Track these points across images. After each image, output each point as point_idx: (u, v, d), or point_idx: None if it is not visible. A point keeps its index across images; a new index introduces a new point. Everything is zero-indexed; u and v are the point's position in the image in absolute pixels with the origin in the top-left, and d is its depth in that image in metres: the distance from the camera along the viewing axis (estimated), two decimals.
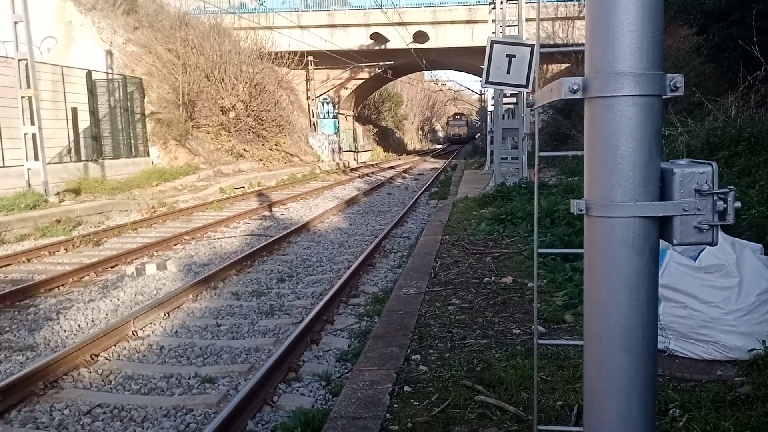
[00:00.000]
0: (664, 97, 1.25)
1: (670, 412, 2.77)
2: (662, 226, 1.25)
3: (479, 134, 49.33)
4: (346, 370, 4.36)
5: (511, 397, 3.05)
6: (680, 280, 3.38)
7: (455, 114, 68.77)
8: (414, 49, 28.64)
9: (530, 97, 1.76)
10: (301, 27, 28.14)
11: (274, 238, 9.49)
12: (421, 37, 28.53)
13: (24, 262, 8.40)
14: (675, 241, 1.23)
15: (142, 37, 20.88)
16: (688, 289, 3.36)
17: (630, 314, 1.23)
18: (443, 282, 5.53)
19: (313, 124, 32.09)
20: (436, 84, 70.99)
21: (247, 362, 4.70)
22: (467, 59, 29.86)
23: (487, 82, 11.95)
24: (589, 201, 1.28)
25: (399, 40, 28.07)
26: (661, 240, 1.29)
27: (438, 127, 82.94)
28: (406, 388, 3.19)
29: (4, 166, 13.38)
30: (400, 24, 27.27)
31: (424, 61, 31.60)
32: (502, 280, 5.47)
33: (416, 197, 15.78)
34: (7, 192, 12.14)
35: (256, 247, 8.77)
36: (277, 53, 27.23)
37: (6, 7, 12.45)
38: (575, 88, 1.27)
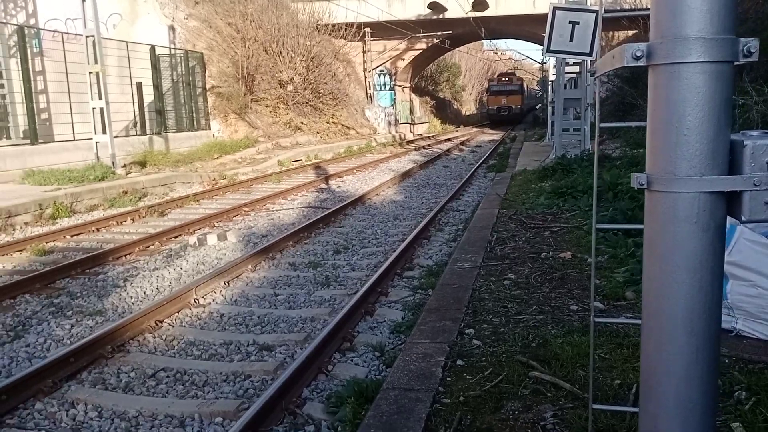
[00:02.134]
0: (736, 63, 1.16)
1: (736, 394, 2.66)
2: (730, 202, 1.18)
3: (540, 105, 47.50)
4: (399, 342, 4.39)
5: (566, 375, 3.00)
6: (751, 257, 3.21)
7: (502, 75, 48.73)
8: (473, 17, 27.98)
9: (593, 66, 1.67)
10: None
11: (330, 211, 9.59)
12: (480, 5, 27.81)
13: (94, 231, 8.81)
14: (744, 218, 1.15)
15: (202, 12, 21.22)
16: (759, 267, 3.19)
17: (692, 295, 1.17)
18: (499, 256, 5.46)
19: (370, 96, 32.01)
20: (496, 53, 65.73)
21: (303, 331, 4.80)
22: (528, 27, 28.97)
23: (548, 50, 11.57)
24: (651, 175, 1.22)
25: (457, 8, 27.47)
26: (729, 216, 1.21)
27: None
28: (459, 362, 3.19)
29: (74, 140, 14.00)
30: None
31: (483, 30, 30.84)
32: (561, 255, 5.35)
33: (473, 170, 15.58)
34: (78, 164, 12.73)
35: (313, 219, 8.89)
36: (334, 25, 27.16)
37: None
38: (638, 54, 1.20)
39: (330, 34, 27.21)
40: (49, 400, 3.67)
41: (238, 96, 20.61)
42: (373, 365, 4.11)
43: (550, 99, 19.06)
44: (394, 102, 33.38)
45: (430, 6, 28.44)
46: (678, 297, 1.18)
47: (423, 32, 30.14)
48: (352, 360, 4.21)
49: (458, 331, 3.57)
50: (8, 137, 16.35)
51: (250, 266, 6.59)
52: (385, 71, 32.50)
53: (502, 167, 15.12)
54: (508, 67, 61.66)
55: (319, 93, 25.04)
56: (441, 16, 28.97)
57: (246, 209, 10.26)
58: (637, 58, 1.20)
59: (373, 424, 2.57)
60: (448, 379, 3.03)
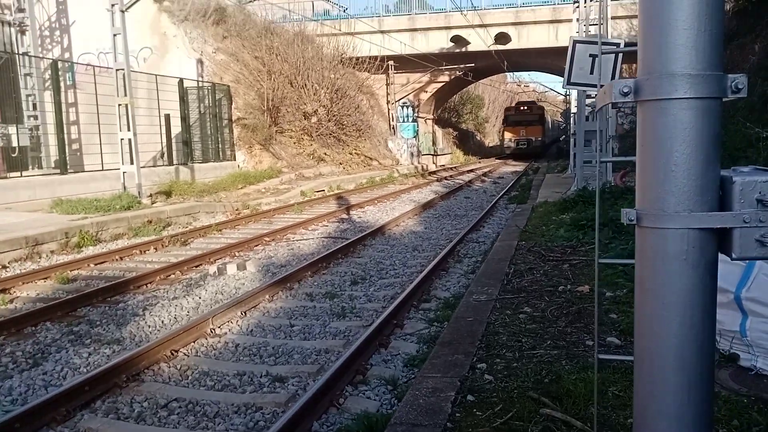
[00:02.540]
0: (724, 99, 1.15)
1: None
2: (721, 239, 1.16)
3: (563, 137, 47.06)
4: (412, 375, 4.34)
5: (578, 412, 2.93)
6: None
7: (520, 104, 44.47)
8: (495, 50, 28.23)
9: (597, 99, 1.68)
10: (382, 32, 28.43)
11: (349, 241, 9.61)
12: (502, 38, 28.07)
13: (117, 260, 8.95)
14: (734, 256, 1.13)
15: (230, 46, 21.77)
16: None
17: (683, 332, 1.14)
18: (516, 289, 5.40)
19: (393, 128, 32.30)
20: (519, 85, 65.46)
21: (316, 363, 4.78)
22: (551, 60, 29.09)
23: (568, 83, 11.62)
24: (640, 210, 1.21)
25: (480, 42, 27.76)
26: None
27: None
28: (470, 397, 3.14)
29: (103, 169, 14.35)
30: (480, 26, 26.96)
31: (505, 63, 31.08)
32: (579, 289, 5.27)
33: (494, 201, 15.53)
34: (105, 194, 13.00)
35: (332, 249, 8.92)
36: (357, 58, 27.62)
37: (107, 20, 13.33)
38: (626, 90, 1.20)
39: (354, 67, 27.66)
40: (62, 429, 3.69)
41: (263, 127, 20.96)
42: (384, 399, 4.06)
43: (572, 131, 19.02)
44: (417, 133, 33.63)
45: (452, 40, 28.79)
46: (669, 335, 1.16)
47: (446, 65, 30.47)
48: (364, 393, 4.17)
49: (470, 365, 3.53)
50: (40, 167, 16.82)
51: (267, 296, 6.62)
52: (408, 103, 32.83)
53: (524, 199, 15.05)
54: (531, 99, 60.60)
55: (343, 125, 25.35)
56: (463, 49, 29.30)
57: (267, 239, 10.34)
58: (625, 94, 1.20)
59: None
60: (458, 414, 2.98)
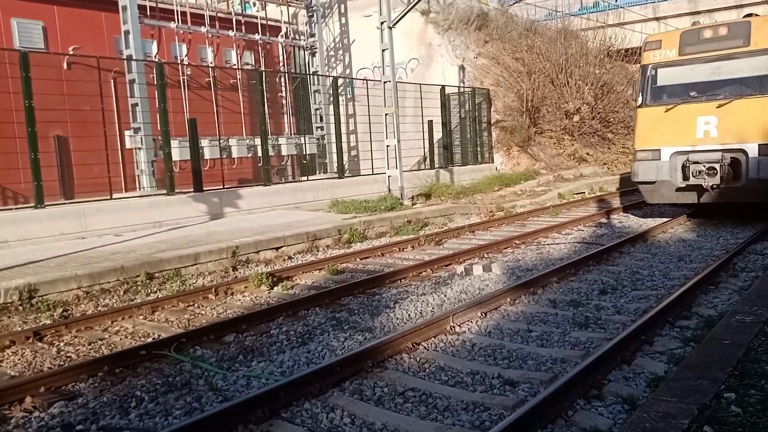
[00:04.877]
0: None
1: None
2: None
3: None
4: None
5: None
6: None
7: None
8: None
9: None
10: (657, 19, 26.15)
11: (603, 247, 9.09)
12: None
13: (379, 255, 9.84)
14: None
15: (491, 50, 22.17)
16: None
17: None
18: None
19: None
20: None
21: (550, 371, 4.67)
22: None
23: None
24: None
25: None
26: None
27: None
28: (707, 429, 2.78)
29: (372, 174, 15.87)
30: None
31: None
32: None
33: None
34: (373, 195, 14.37)
35: (583, 255, 8.55)
36: (627, 50, 25.77)
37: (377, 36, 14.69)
38: None
39: (623, 60, 25.85)
40: (315, 402, 4.24)
41: (522, 129, 20.89)
42: (619, 418, 3.79)
43: None
44: None
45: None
46: None
47: None
48: (596, 409, 3.95)
49: (715, 393, 3.11)
50: (325, 172, 19.27)
51: (509, 299, 6.65)
52: None
53: None
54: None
55: (609, 122, 23.89)
56: None
57: (517, 242, 10.33)
58: None
59: None
60: None
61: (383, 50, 14.08)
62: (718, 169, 10.08)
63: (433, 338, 5.52)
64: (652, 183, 11.01)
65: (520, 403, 4.05)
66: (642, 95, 11.30)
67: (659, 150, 10.88)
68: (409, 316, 6.33)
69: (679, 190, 10.75)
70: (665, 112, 10.88)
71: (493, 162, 20.45)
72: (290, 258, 9.92)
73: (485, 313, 6.21)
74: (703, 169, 10.22)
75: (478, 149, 20.05)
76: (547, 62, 22.62)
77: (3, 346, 5.81)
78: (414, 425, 3.86)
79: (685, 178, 10.47)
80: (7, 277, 7.40)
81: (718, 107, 10.36)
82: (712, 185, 10.20)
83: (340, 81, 18.69)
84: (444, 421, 3.93)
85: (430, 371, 4.81)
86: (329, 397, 4.32)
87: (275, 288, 7.86)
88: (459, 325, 5.85)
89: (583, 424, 3.72)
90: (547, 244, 10.15)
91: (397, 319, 6.25)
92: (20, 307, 6.96)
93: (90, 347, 5.88)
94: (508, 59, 22.21)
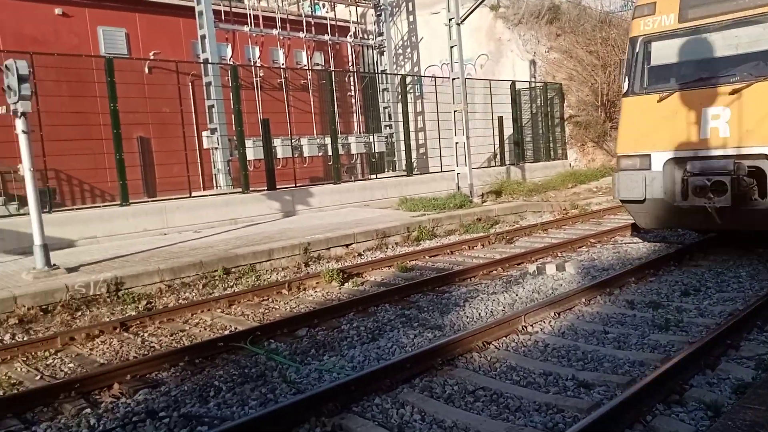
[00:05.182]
0: None
1: None
2: None
3: None
4: None
5: None
6: None
7: None
8: None
9: None
10: None
11: (685, 246, 8.70)
12: None
13: (448, 254, 9.79)
14: None
15: (563, 44, 21.59)
16: None
17: None
18: None
19: None
20: None
21: (628, 374, 4.51)
22: None
23: None
24: None
25: None
26: None
27: None
28: None
29: (441, 171, 15.79)
30: None
31: None
32: None
33: None
34: (441, 193, 14.31)
35: (663, 255, 8.22)
36: None
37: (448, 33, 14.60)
38: None
39: None
40: (385, 398, 4.27)
41: (597, 124, 20.25)
42: (701, 426, 3.62)
43: None
44: None
45: None
46: None
47: None
48: (677, 415, 3.79)
49: None
50: (393, 170, 19.35)
51: (583, 299, 6.46)
52: None
53: None
54: None
55: None
56: None
57: (592, 240, 10.04)
58: None
59: None
60: None
61: (451, 47, 13.99)
62: (728, 184, 7.07)
63: (504, 338, 5.45)
64: (641, 202, 8.04)
65: (595, 406, 3.94)
66: (629, 79, 8.35)
67: (649, 156, 7.90)
68: (479, 314, 6.27)
69: (679, 211, 7.74)
70: (658, 102, 7.82)
71: (566, 158, 19.93)
72: (360, 255, 10.03)
73: (558, 314, 6.06)
74: (707, 183, 7.23)
75: (551, 145, 19.60)
76: (624, 54, 21.82)
77: (93, 335, 6.17)
78: (485, 424, 3.82)
79: (685, 196, 7.55)
80: (96, 270, 7.86)
81: (732, 93, 7.24)
82: (720, 207, 7.23)
83: (409, 79, 18.73)
84: (515, 422, 3.87)
85: (501, 371, 4.74)
86: (399, 393, 4.34)
87: (346, 284, 7.97)
88: (531, 325, 5.74)
89: (662, 430, 3.58)
90: (625, 243, 9.80)
91: (467, 317, 6.20)
92: (108, 299, 7.37)
93: (172, 338, 6.16)
94: (581, 52, 21.55)
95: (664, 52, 8.09)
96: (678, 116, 7.68)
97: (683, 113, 7.64)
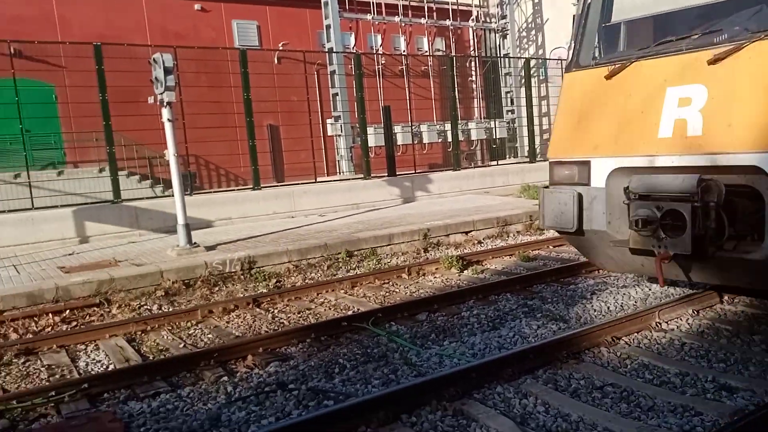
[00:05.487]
0: None
1: None
2: None
3: None
4: None
5: None
6: None
7: None
8: None
9: None
10: None
11: None
12: None
13: None
14: None
15: None
16: None
17: None
18: None
19: None
20: None
21: None
22: None
23: None
24: None
25: None
26: None
27: None
28: None
29: None
30: None
31: None
32: None
33: None
34: None
35: None
36: None
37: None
38: None
39: None
40: (507, 387, 4.20)
41: None
42: None
43: None
44: None
45: None
46: None
47: None
48: None
49: None
50: (515, 156, 18.92)
51: (726, 297, 5.96)
52: None
53: None
54: None
55: None
56: None
57: None
58: None
59: None
60: None
61: None
62: (687, 216, 4.15)
63: (635, 333, 5.16)
64: (576, 234, 5.13)
65: (738, 412, 3.63)
66: (574, 45, 5.43)
67: (588, 163, 4.99)
68: (608, 308, 5.99)
69: (632, 249, 4.65)
70: (607, 79, 4.88)
71: None
72: (480, 242, 9.93)
73: (697, 311, 5.64)
74: (654, 214, 4.34)
75: None
76: None
77: (229, 309, 6.62)
78: (613, 422, 3.65)
79: (634, 226, 4.50)
80: (231, 249, 8.41)
81: (713, 63, 4.22)
82: (672, 254, 4.31)
83: (533, 62, 18.17)
84: (648, 422, 3.66)
85: (632, 368, 4.50)
86: (522, 384, 4.25)
87: (465, 271, 7.92)
88: (666, 322, 5.39)
89: None
90: None
91: (594, 310, 5.95)
92: (242, 276, 7.87)
93: (299, 315, 6.46)
94: None
95: (630, 3, 5.26)
96: (631, 101, 4.71)
97: (638, 96, 4.67)
